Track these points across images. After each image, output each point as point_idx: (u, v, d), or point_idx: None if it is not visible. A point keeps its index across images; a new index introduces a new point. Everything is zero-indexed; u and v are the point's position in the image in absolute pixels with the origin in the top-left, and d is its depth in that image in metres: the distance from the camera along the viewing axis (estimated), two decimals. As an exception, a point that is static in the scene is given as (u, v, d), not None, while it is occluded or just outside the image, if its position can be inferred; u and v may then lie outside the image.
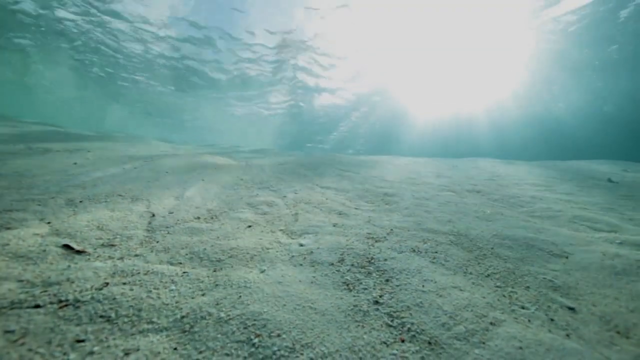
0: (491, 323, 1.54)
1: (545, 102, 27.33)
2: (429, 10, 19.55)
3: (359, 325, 1.47)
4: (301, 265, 2.09)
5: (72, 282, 1.61)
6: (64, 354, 1.15)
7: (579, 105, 27.08)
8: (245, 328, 1.36)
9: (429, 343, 1.37)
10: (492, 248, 2.55)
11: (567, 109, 27.93)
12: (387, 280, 1.93)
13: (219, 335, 1.31)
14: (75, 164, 4.94)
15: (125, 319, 1.37)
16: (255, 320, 1.42)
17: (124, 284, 1.64)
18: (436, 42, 21.91)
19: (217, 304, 1.53)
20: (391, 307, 1.64)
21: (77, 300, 1.46)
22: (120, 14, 19.76)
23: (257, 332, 1.34)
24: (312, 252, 2.27)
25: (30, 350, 1.15)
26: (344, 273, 2.00)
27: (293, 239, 2.55)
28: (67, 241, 2.09)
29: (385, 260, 2.21)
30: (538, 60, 22.00)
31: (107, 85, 30.57)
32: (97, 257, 1.94)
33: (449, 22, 20.18)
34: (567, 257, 2.46)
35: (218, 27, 21.81)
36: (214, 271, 1.89)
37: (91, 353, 1.16)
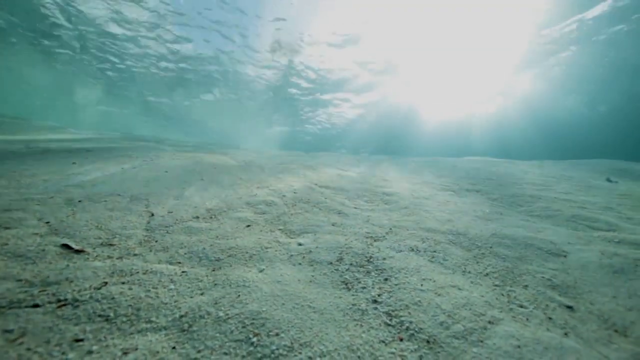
0: (489, 322, 1.55)
1: (546, 102, 27.35)
2: (431, 11, 19.60)
3: (357, 324, 1.47)
4: (300, 264, 2.09)
5: (71, 282, 1.61)
6: (63, 353, 1.15)
7: (577, 105, 27.17)
8: (243, 327, 1.36)
9: (427, 342, 1.38)
10: (490, 247, 2.56)
11: (568, 109, 27.99)
12: (385, 280, 1.93)
13: (217, 334, 1.31)
14: (74, 163, 4.94)
15: (124, 318, 1.37)
16: (253, 319, 1.42)
17: (123, 283, 1.64)
18: (439, 43, 21.93)
19: (216, 303, 1.53)
20: (390, 306, 1.64)
21: (76, 300, 1.46)
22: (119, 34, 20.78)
23: (256, 331, 1.34)
24: (310, 252, 2.27)
25: (28, 349, 1.15)
26: (342, 272, 2.00)
27: (292, 238, 2.55)
28: (66, 241, 2.09)
29: (384, 259, 2.21)
30: (539, 61, 22.07)
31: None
32: (96, 256, 1.94)
33: (452, 23, 20.23)
34: (565, 256, 2.47)
35: (223, 48, 22.73)
36: (213, 270, 1.90)
37: (90, 352, 1.16)
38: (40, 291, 1.51)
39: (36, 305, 1.41)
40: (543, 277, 2.10)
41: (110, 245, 2.13)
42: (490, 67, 23.04)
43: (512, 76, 23.98)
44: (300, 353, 1.23)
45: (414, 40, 21.53)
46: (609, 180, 6.46)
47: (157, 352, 1.19)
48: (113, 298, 1.50)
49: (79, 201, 2.92)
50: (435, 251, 2.41)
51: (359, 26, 20.66)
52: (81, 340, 1.22)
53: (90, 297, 1.49)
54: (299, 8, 19.89)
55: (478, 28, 19.91)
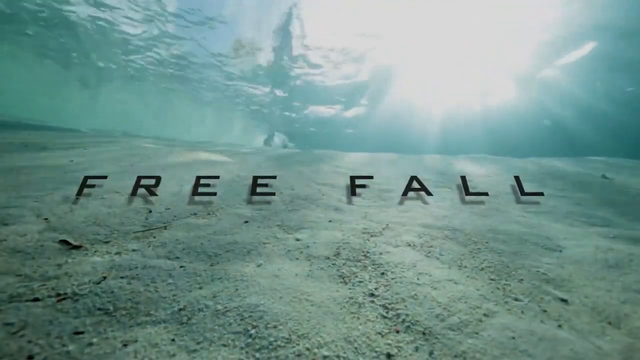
0: (485, 314, 1.57)
1: (545, 100, 27.31)
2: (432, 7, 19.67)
3: (354, 317, 1.49)
4: (297, 259, 2.11)
5: (70, 276, 1.62)
6: (63, 345, 1.16)
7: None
8: (242, 320, 1.38)
9: (423, 333, 1.39)
10: (486, 242, 2.58)
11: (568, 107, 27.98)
12: (382, 274, 1.95)
13: (216, 327, 1.32)
14: (71, 161, 4.94)
15: (124, 312, 1.38)
16: (252, 312, 1.43)
17: (122, 277, 1.66)
18: (438, 39, 21.92)
19: (214, 297, 1.54)
20: (386, 299, 1.66)
21: (76, 294, 1.48)
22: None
23: (254, 323, 1.35)
24: (308, 247, 2.29)
25: (29, 341, 1.16)
26: (339, 267, 2.02)
27: (289, 234, 2.57)
28: (64, 237, 2.10)
29: (381, 254, 2.23)
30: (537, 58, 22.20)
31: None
32: (95, 252, 1.95)
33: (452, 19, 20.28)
34: (560, 251, 2.49)
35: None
36: (211, 265, 1.91)
37: (90, 344, 1.18)
38: (40, 285, 1.52)
39: (36, 299, 1.42)
40: (538, 271, 2.13)
41: (109, 241, 2.14)
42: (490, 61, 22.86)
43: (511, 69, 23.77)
44: (298, 344, 1.25)
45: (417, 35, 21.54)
46: (604, 177, 6.50)
47: (157, 343, 1.21)
48: (112, 292, 1.51)
49: (77, 198, 2.93)
50: (431, 246, 2.43)
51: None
52: (81, 332, 1.23)
53: (90, 291, 1.50)
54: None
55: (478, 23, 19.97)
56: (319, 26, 23.00)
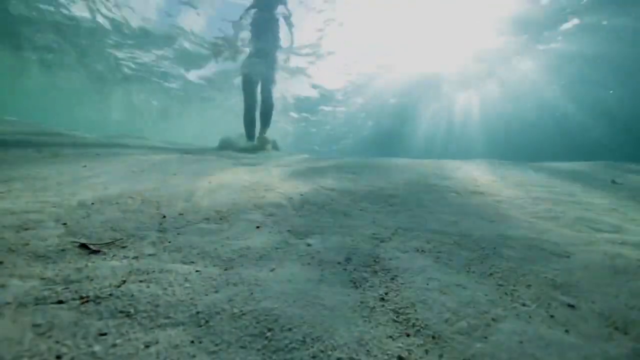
0: (493, 319, 1.60)
1: (549, 101, 26.96)
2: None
3: (366, 321, 1.54)
4: (309, 264, 2.16)
5: (92, 280, 1.68)
6: (89, 346, 1.22)
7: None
8: (258, 323, 1.43)
9: (433, 337, 1.44)
10: (494, 248, 2.61)
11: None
12: (392, 279, 1.99)
13: (233, 329, 1.38)
14: (84, 166, 5.04)
15: (144, 314, 1.44)
16: (267, 315, 1.49)
17: (141, 281, 1.72)
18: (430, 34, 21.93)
19: (230, 300, 1.60)
20: (396, 303, 1.71)
21: (98, 297, 1.54)
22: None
23: (270, 326, 1.41)
24: (319, 252, 2.34)
25: (57, 342, 1.22)
26: (350, 272, 2.06)
27: (300, 239, 2.62)
28: (83, 241, 2.17)
29: (390, 259, 2.27)
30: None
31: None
32: (113, 256, 2.02)
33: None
34: (568, 257, 2.51)
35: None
36: (225, 270, 1.97)
37: (114, 345, 1.23)
38: (63, 289, 1.59)
39: (60, 302, 1.48)
40: (546, 277, 2.15)
41: (126, 246, 2.21)
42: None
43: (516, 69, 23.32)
44: (312, 347, 1.30)
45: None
46: (614, 182, 6.47)
47: (177, 345, 1.26)
48: (132, 295, 1.57)
49: (92, 204, 3.01)
50: (440, 252, 2.47)
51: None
52: (105, 334, 1.29)
53: (111, 295, 1.57)
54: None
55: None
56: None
